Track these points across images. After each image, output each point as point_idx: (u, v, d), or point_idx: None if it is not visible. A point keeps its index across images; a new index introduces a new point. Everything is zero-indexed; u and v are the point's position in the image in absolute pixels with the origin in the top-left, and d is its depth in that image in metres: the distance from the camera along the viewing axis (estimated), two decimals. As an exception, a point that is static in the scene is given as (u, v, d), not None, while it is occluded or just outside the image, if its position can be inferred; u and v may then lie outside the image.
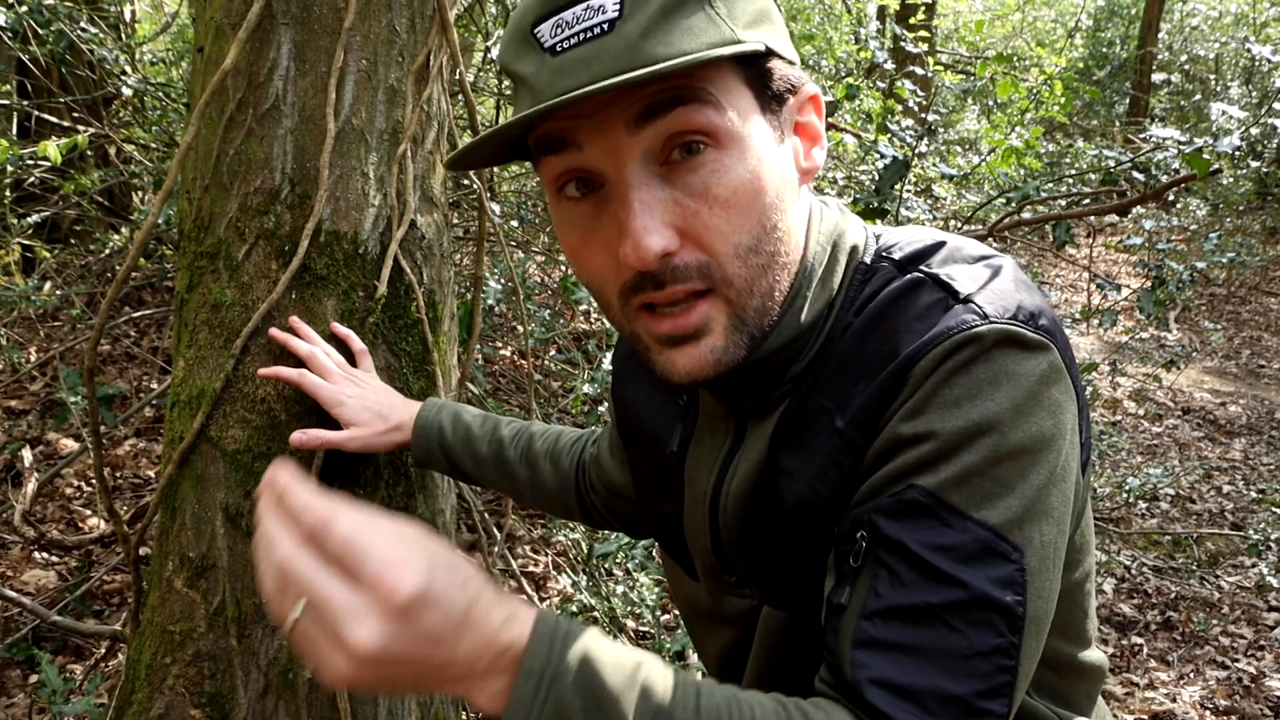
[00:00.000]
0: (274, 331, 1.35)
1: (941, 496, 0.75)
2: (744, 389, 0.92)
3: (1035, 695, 0.97)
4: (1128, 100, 15.41)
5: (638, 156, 0.77)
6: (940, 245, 0.89)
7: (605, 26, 0.75)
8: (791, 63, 0.86)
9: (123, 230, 4.38)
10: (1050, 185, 3.30)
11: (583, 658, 0.66)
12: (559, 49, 0.77)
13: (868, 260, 0.91)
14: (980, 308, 0.79)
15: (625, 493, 1.27)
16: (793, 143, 0.86)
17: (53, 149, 2.44)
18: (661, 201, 0.78)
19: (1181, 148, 2.46)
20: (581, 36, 0.76)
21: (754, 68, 0.81)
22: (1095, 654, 1.01)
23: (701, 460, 1.00)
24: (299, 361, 1.35)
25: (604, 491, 1.33)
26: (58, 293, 3.73)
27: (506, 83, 4.13)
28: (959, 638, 0.73)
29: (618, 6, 0.75)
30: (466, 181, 3.52)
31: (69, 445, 3.10)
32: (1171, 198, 10.24)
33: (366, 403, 1.34)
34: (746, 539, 0.95)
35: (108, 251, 4.13)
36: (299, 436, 1.32)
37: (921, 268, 0.86)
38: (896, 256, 0.89)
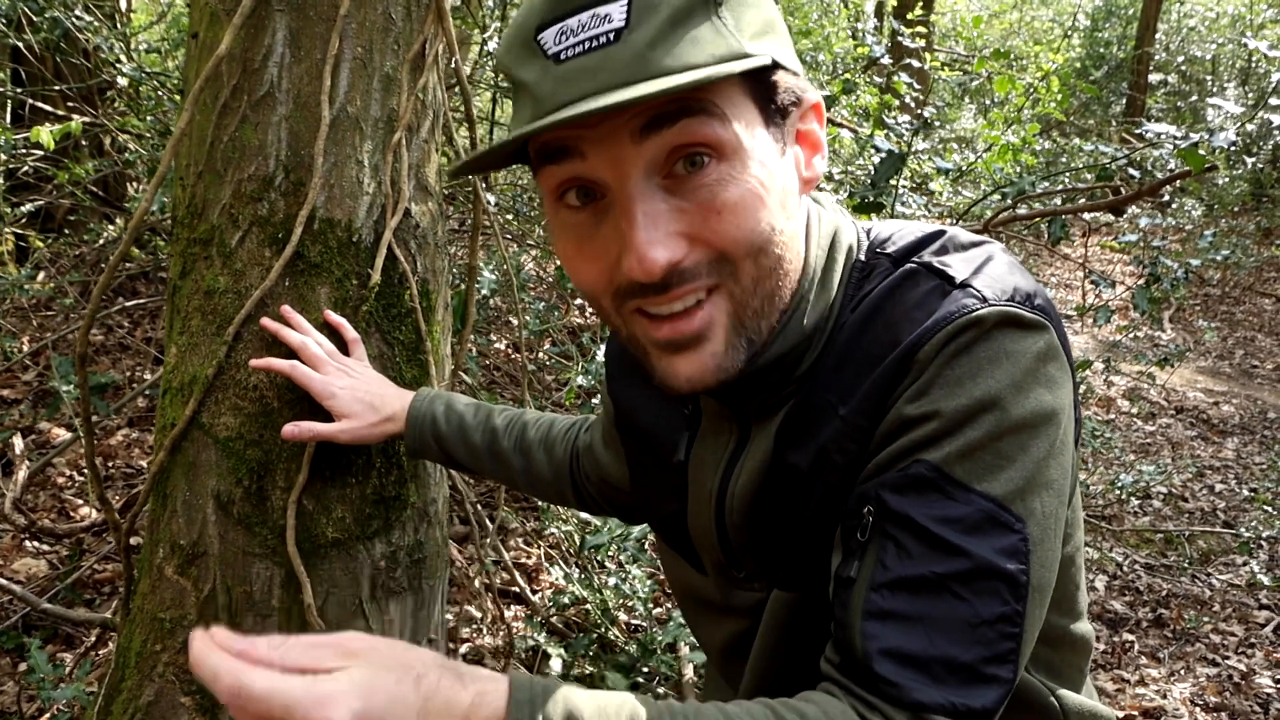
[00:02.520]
0: (266, 321, 1.35)
1: (945, 470, 0.78)
2: (750, 393, 0.93)
3: (1029, 669, 0.99)
4: (1124, 100, 15.42)
5: (641, 168, 0.77)
6: (934, 236, 0.90)
7: (612, 36, 0.75)
8: (795, 73, 0.86)
9: (117, 221, 4.36)
10: (1046, 183, 3.30)
11: (566, 713, 0.68)
12: (563, 57, 0.76)
13: (863, 258, 0.92)
14: (979, 291, 0.81)
15: (619, 485, 1.27)
16: (794, 152, 0.87)
17: (46, 134, 2.43)
18: (665, 213, 0.78)
19: (1177, 143, 2.46)
20: (587, 45, 0.75)
21: (759, 80, 0.81)
22: (1085, 627, 1.03)
23: (706, 461, 1.00)
24: (291, 351, 1.35)
25: (597, 480, 1.33)
26: (50, 283, 3.72)
27: (504, 77, 4.12)
28: (965, 606, 0.76)
29: (624, 16, 0.74)
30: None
31: (61, 435, 3.09)
32: (1166, 198, 10.26)
33: (358, 394, 1.33)
34: (754, 537, 0.96)
35: (102, 242, 4.12)
36: (290, 429, 1.32)
37: (914, 259, 0.88)
38: (891, 251, 0.91)
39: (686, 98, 0.76)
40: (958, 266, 0.85)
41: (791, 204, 0.85)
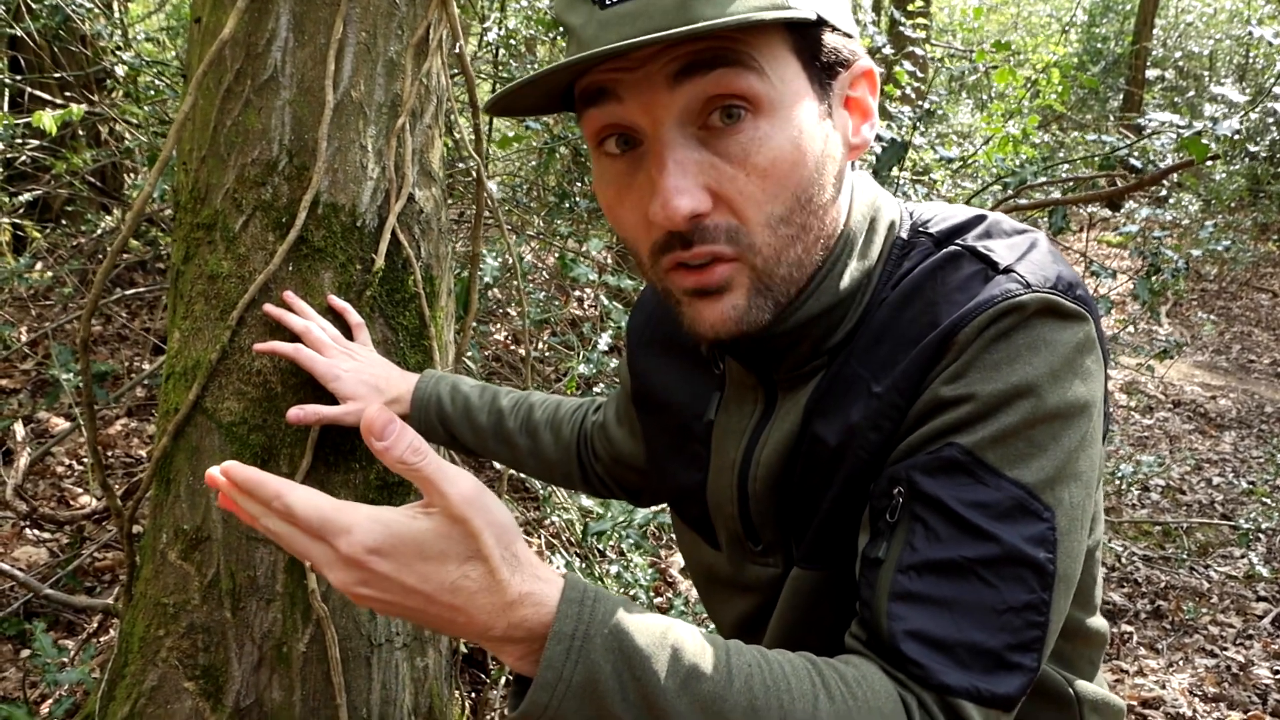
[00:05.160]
0: (269, 307, 1.35)
1: (978, 455, 0.78)
2: (778, 358, 0.93)
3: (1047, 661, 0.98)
4: (1122, 96, 15.41)
5: (675, 115, 0.78)
6: (978, 220, 0.90)
7: None
8: (848, 35, 0.85)
9: (114, 211, 4.35)
10: (1047, 174, 3.30)
11: (612, 622, 0.68)
12: (608, 2, 0.77)
13: (904, 235, 0.92)
14: (1022, 277, 0.81)
15: (632, 462, 1.26)
16: (842, 117, 0.86)
17: (48, 119, 2.42)
18: (696, 163, 0.79)
19: (1181, 131, 2.46)
20: None
21: (804, 36, 0.81)
22: (1099, 621, 1.03)
23: (730, 429, 1.00)
24: (295, 336, 1.34)
25: (608, 460, 1.32)
26: (48, 273, 3.71)
27: (502, 67, 4.12)
28: (992, 592, 0.75)
29: None
30: (461, 164, 3.50)
31: (60, 424, 3.08)
32: (1164, 193, 10.28)
33: (363, 376, 1.33)
34: (776, 508, 0.96)
35: (99, 232, 4.11)
36: (296, 412, 1.31)
37: (958, 241, 0.88)
38: (933, 231, 0.90)
39: (723, 46, 0.76)
40: (1002, 252, 0.85)
41: (830, 170, 0.84)
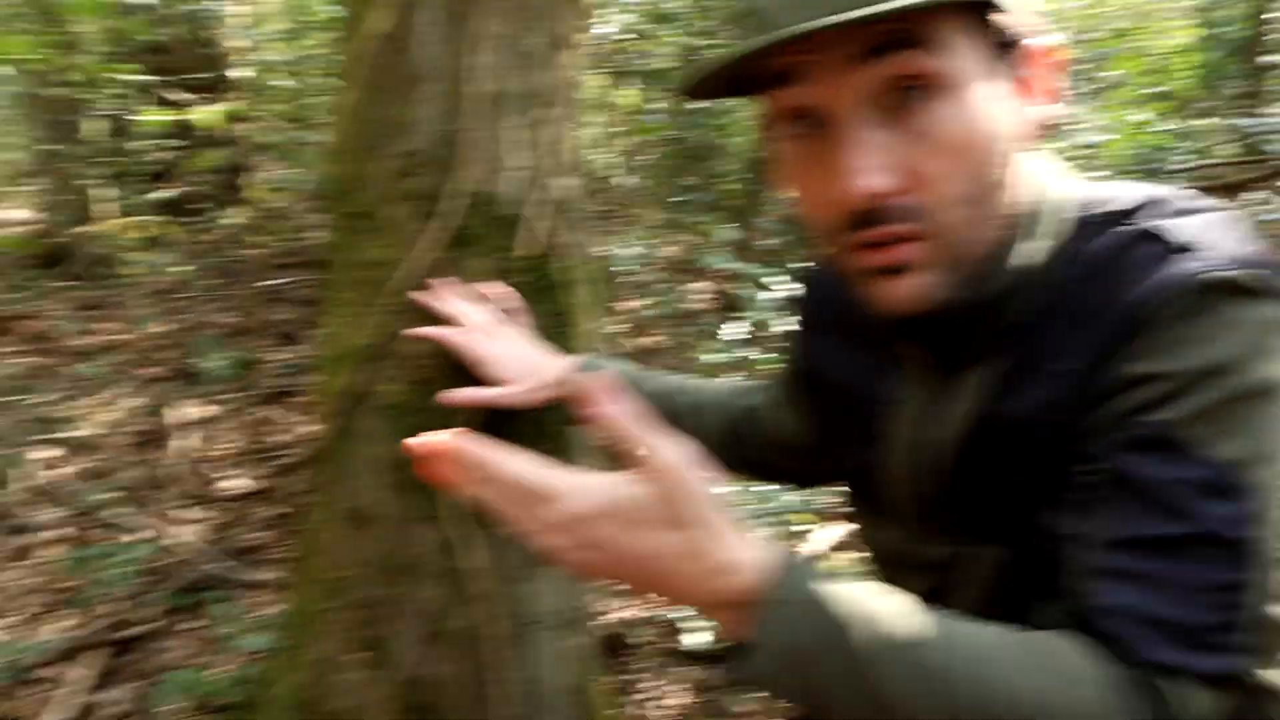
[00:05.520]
0: (421, 294, 1.38)
1: (1174, 432, 0.77)
2: (958, 337, 0.93)
3: None
4: (1244, 81, 14.70)
5: (860, 95, 0.79)
6: (1160, 198, 0.88)
7: None
8: (1024, 16, 0.85)
9: (237, 206, 4.50)
10: (1181, 159, 3.17)
11: (814, 589, 0.71)
12: None
13: (1081, 215, 0.90)
14: (1205, 256, 0.79)
15: (791, 444, 1.26)
16: (1018, 96, 0.86)
17: (209, 114, 2.50)
18: (881, 143, 0.79)
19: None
20: None
21: (983, 17, 0.82)
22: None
23: (906, 409, 1.00)
24: (448, 321, 1.37)
25: (763, 442, 1.32)
26: (194, 267, 3.87)
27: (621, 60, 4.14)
28: (1192, 570, 0.74)
29: None
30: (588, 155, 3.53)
31: (204, 411, 3.21)
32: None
33: (517, 360, 1.35)
34: (955, 486, 0.95)
35: (223, 230, 4.26)
36: (453, 396, 1.34)
37: (1138, 220, 0.86)
38: (1111, 210, 0.89)
39: (907, 27, 0.77)
40: (1187, 230, 0.83)
41: (1008, 150, 0.84)
